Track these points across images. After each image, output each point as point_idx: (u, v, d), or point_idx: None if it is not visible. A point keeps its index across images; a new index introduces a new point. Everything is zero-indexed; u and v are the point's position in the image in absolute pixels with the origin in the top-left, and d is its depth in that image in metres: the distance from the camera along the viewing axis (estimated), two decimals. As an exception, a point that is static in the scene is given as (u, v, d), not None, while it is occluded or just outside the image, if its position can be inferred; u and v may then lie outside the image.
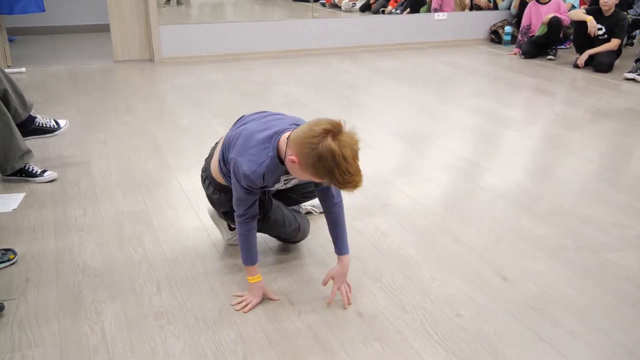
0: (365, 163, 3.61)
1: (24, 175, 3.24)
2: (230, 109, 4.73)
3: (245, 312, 2.13)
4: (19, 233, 2.71)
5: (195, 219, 2.87)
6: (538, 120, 4.71)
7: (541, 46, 6.70)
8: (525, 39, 6.79)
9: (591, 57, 6.12)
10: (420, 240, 2.68)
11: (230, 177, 2.11)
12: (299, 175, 1.99)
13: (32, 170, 3.26)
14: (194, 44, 6.51)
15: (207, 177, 2.38)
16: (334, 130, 1.86)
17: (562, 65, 6.42)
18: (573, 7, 6.96)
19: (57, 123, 3.48)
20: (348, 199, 3.11)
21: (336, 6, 9.65)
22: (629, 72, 5.71)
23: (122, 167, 3.52)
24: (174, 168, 3.52)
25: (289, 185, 2.31)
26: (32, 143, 3.39)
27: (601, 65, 5.98)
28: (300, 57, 6.29)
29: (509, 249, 2.61)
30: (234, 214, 2.13)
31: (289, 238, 2.55)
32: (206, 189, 2.40)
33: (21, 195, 3.09)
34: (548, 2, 6.61)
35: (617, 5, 6.07)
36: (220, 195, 2.34)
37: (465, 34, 7.70)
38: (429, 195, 3.17)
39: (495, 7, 7.89)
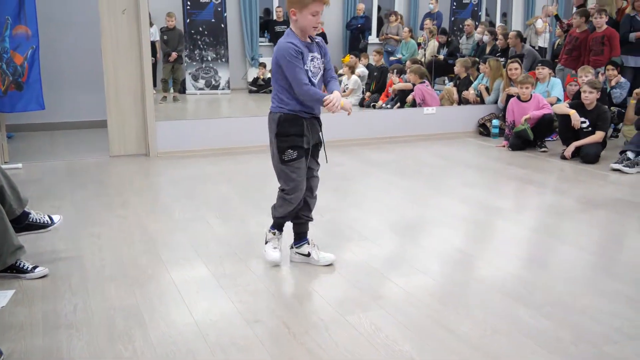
0: (359, 254, 3.63)
1: (14, 271, 3.21)
2: (225, 202, 4.76)
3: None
4: (6, 331, 2.65)
5: (186, 315, 2.82)
6: (529, 210, 4.76)
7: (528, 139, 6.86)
8: (512, 133, 6.97)
9: (578, 149, 6.26)
10: (415, 334, 2.64)
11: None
12: (301, 19, 3.12)
13: (23, 266, 3.23)
14: (190, 138, 6.64)
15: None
16: None
17: (550, 156, 6.55)
18: (558, 100, 7.19)
19: (50, 219, 3.49)
20: (341, 293, 3.09)
21: (328, 101, 9.93)
22: (615, 162, 5.83)
23: (115, 261, 3.50)
24: (167, 262, 3.50)
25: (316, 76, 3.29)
26: (24, 237, 3.38)
27: (588, 156, 6.11)
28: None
29: (506, 342, 2.57)
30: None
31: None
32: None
33: (10, 292, 3.05)
34: (529, 100, 6.84)
35: (598, 100, 6.28)
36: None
37: (454, 127, 7.89)
38: (423, 287, 3.15)
39: (483, 102, 8.13)
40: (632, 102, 6.74)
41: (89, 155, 6.46)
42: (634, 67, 7.61)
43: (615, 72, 7.21)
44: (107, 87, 6.35)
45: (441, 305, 2.94)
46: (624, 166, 5.72)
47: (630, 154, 5.82)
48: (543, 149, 6.76)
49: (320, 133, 3.50)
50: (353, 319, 2.78)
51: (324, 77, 3.42)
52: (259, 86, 10.03)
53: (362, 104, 9.54)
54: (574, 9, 8.38)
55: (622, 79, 7.29)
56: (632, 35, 7.48)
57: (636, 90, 6.38)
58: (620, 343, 2.57)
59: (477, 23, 12.03)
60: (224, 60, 10.21)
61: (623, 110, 7.11)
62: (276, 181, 3.42)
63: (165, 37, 9.70)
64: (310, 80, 3.23)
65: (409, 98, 8.30)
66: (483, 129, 7.83)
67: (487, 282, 3.22)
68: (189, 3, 10.49)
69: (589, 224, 4.31)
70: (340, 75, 10.20)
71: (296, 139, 3.32)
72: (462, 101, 8.37)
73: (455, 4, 12.40)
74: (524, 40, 9.85)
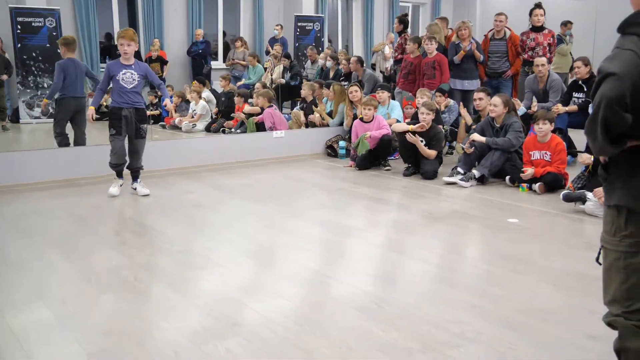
0: (213, 282, 3.59)
1: None
2: (68, 238, 4.48)
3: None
4: None
5: (27, 363, 2.61)
6: (377, 227, 4.97)
7: (374, 157, 7.20)
8: (357, 153, 7.27)
9: (417, 166, 6.67)
10: (273, 359, 2.64)
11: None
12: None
13: None
14: (26, 171, 6.18)
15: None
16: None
17: (394, 174, 6.91)
18: (398, 121, 7.61)
19: None
20: (195, 323, 3.02)
21: (177, 127, 9.76)
22: (448, 176, 6.31)
23: (-60, 311, 3.15)
24: (2, 307, 3.20)
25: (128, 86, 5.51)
26: None
27: (427, 173, 6.54)
28: (141, 179, 6.19)
29: (360, 358, 2.65)
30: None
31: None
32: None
33: None
34: (370, 121, 7.20)
35: (433, 120, 6.74)
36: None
37: (303, 149, 8.07)
38: (279, 311, 3.16)
39: (328, 124, 8.41)
40: (463, 122, 7.34)
41: None
42: (461, 90, 8.28)
43: (443, 98, 7.81)
44: None
45: (297, 326, 2.97)
46: (460, 179, 6.17)
47: (460, 170, 6.31)
48: (387, 168, 7.12)
49: (135, 121, 5.54)
50: (208, 348, 2.73)
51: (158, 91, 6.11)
52: (102, 113, 9.57)
53: (209, 129, 9.48)
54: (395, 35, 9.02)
55: (451, 102, 7.91)
56: (455, 58, 8.15)
57: (462, 145, 6.88)
58: (463, 347, 2.75)
59: (321, 49, 12.48)
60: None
61: (456, 129, 7.70)
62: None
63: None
64: (123, 86, 5.46)
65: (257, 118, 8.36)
66: (331, 150, 8.09)
67: (341, 300, 3.31)
68: (19, 27, 9.85)
69: (430, 237, 4.59)
70: (188, 102, 10.09)
71: (115, 123, 5.53)
72: (309, 124, 8.60)
73: (298, 30, 12.79)
74: (372, 66, 10.38)
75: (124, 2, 12.01)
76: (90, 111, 5.57)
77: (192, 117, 9.75)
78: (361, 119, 7.28)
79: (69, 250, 4.18)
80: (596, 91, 1.87)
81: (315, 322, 3.02)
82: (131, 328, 2.97)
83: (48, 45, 9.95)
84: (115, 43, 5.11)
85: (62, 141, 6.86)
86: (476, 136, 6.27)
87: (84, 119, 6.91)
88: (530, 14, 8.14)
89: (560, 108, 7.11)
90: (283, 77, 10.44)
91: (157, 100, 10.42)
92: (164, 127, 10.06)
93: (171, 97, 10.23)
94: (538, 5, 8.13)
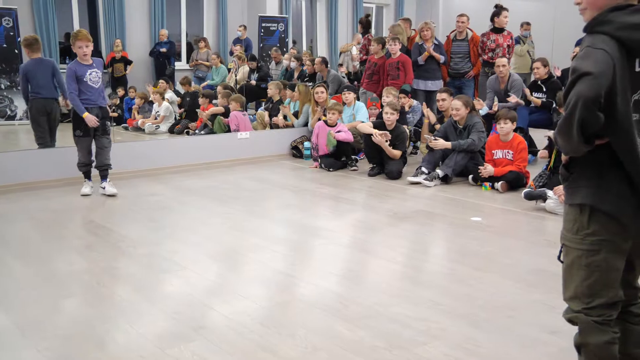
0: (178, 286, 3.55)
1: None
2: (26, 242, 4.38)
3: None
4: None
5: (-15, 371, 2.54)
6: (343, 227, 4.98)
7: (338, 156, 7.21)
8: (318, 154, 7.27)
9: (382, 166, 6.71)
10: (239, 360, 2.63)
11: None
12: (75, 50, 5.50)
13: None
14: (-17, 174, 6.02)
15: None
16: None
17: (359, 174, 6.93)
18: (363, 122, 7.64)
19: None
20: (160, 326, 2.98)
21: (140, 129, 9.62)
22: (413, 176, 6.34)
23: None
24: (-41, 314, 3.12)
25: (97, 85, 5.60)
26: None
27: (391, 173, 6.58)
28: (109, 178, 6.08)
29: (326, 357, 2.65)
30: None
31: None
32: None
33: None
34: (334, 125, 7.22)
35: (398, 120, 6.79)
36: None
37: (268, 150, 8.04)
38: (245, 312, 3.14)
39: (293, 125, 8.40)
40: (426, 121, 7.41)
41: None
42: (424, 90, 8.36)
43: (407, 98, 7.88)
44: None
45: (264, 328, 2.96)
46: (424, 179, 6.22)
47: (424, 169, 6.36)
48: (353, 168, 7.14)
49: (101, 118, 5.62)
50: (174, 352, 2.70)
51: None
52: (62, 115, 9.38)
53: (173, 130, 9.37)
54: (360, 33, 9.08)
55: (415, 102, 7.98)
56: (419, 59, 8.23)
57: (428, 137, 6.94)
58: (428, 344, 2.78)
59: (285, 49, 12.46)
60: (19, 88, 9.44)
61: (420, 129, 7.77)
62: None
63: None
64: (91, 86, 5.55)
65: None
66: (296, 151, 8.08)
67: (306, 301, 3.31)
68: (-26, 26, 9.58)
69: (396, 236, 4.62)
70: (151, 103, 9.95)
71: (80, 124, 5.57)
72: (273, 126, 8.57)
73: (262, 30, 12.74)
74: (340, 66, 10.35)
75: (83, 2, 11.79)
76: (90, 117, 5.53)
77: (155, 118, 9.62)
78: (325, 122, 7.30)
79: (28, 255, 4.08)
80: (570, 90, 1.85)
81: (281, 323, 3.01)
82: (94, 333, 2.92)
83: (5, 45, 9.70)
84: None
85: (44, 144, 6.59)
86: (441, 142, 6.32)
87: (54, 122, 6.72)
88: (498, 15, 8.22)
89: (512, 98, 7.19)
90: (249, 79, 10.38)
91: (118, 102, 10.30)
92: (126, 128, 9.91)
93: (134, 99, 10.16)
94: (503, 7, 8.25)
